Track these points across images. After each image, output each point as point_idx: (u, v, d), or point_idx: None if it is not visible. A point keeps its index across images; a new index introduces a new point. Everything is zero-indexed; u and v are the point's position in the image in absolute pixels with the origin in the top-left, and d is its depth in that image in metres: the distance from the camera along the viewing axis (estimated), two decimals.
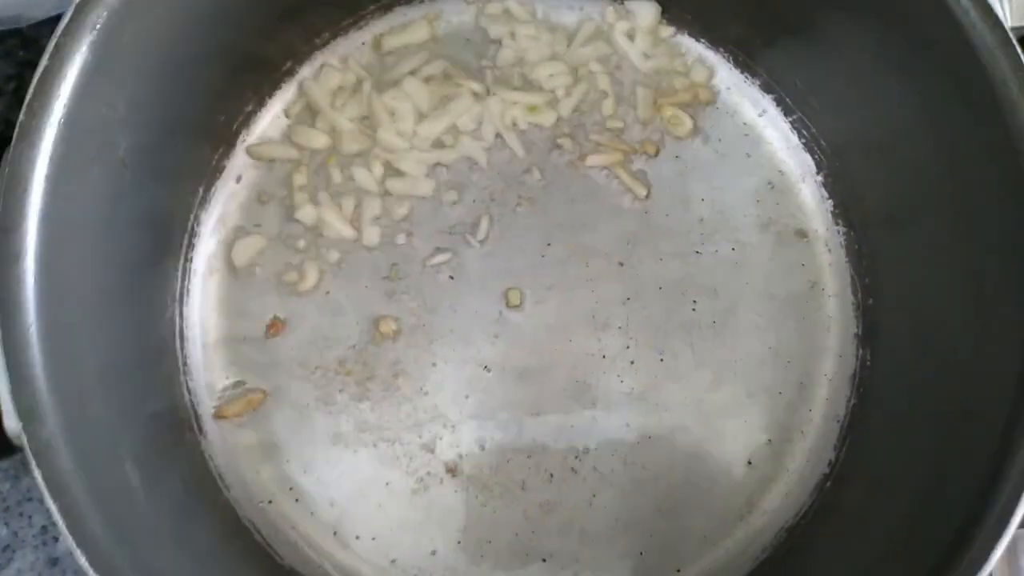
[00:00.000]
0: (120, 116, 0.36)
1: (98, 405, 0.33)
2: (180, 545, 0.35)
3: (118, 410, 0.34)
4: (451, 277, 0.48)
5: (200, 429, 0.44)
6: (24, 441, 0.30)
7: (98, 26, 0.33)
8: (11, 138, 0.32)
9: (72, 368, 0.32)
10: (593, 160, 0.48)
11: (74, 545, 0.29)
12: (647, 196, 0.47)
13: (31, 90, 0.32)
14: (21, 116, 0.32)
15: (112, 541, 0.30)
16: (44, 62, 0.32)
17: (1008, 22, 0.57)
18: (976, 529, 0.33)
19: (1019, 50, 0.35)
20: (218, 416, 0.45)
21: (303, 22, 0.47)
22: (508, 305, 0.47)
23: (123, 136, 0.37)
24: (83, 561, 0.29)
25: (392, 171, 0.48)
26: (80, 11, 0.33)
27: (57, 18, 0.66)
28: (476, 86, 0.48)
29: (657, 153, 0.48)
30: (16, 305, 0.31)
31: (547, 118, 0.48)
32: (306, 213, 0.47)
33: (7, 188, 0.31)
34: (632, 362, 0.47)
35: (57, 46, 0.32)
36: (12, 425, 0.31)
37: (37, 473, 0.30)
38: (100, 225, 0.37)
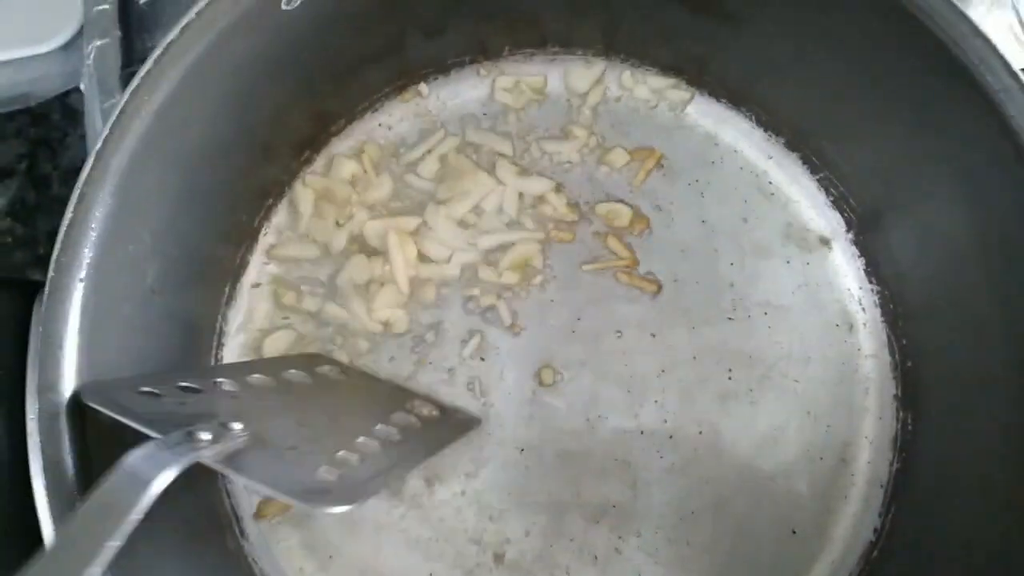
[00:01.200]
0: (146, 248, 0.36)
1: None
2: None
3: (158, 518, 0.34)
4: (482, 359, 0.47)
5: (242, 532, 0.44)
6: None
7: (120, 170, 0.33)
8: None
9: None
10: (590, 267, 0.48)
11: None
12: (658, 292, 0.47)
13: (58, 244, 0.32)
14: (51, 271, 0.32)
15: None
16: (68, 214, 0.32)
17: None
18: None
19: None
20: (258, 516, 0.45)
21: (318, 112, 0.46)
22: (541, 384, 0.47)
23: (150, 266, 0.37)
24: None
25: (418, 256, 0.48)
26: (100, 158, 0.33)
27: (65, 94, 0.66)
28: (501, 166, 0.47)
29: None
30: (59, 465, 0.31)
31: (559, 203, 0.48)
32: (331, 309, 0.47)
33: (44, 347, 0.31)
34: (671, 436, 0.46)
35: (81, 196, 0.32)
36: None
37: None
38: (133, 357, 0.36)
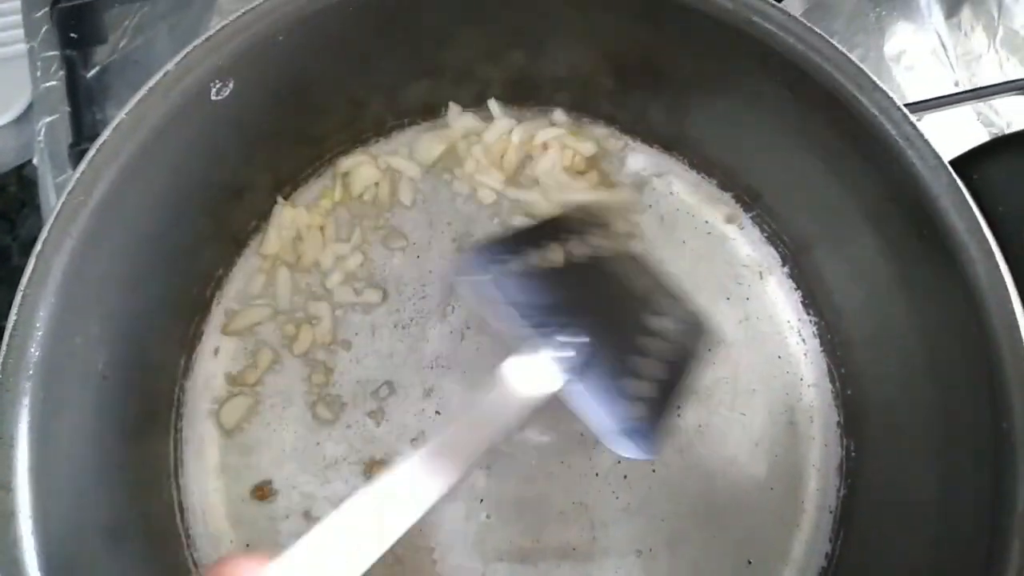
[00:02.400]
0: (95, 338, 0.37)
1: None
2: None
3: None
4: (437, 412, 0.48)
5: None
6: None
7: (63, 268, 0.34)
8: None
9: None
10: None
11: None
12: None
13: (4, 347, 0.33)
14: None
15: None
16: (13, 317, 0.33)
17: (956, 74, 0.59)
18: None
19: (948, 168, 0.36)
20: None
21: (266, 181, 0.47)
22: None
23: (100, 353, 0.38)
24: None
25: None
26: (41, 259, 0.34)
27: (21, 166, 0.67)
28: None
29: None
30: (16, 567, 0.32)
31: None
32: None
33: None
34: (625, 476, 0.48)
35: (24, 298, 0.33)
36: None
37: None
38: (88, 441, 0.37)
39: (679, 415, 0.48)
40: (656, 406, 0.37)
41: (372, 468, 0.47)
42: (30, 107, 0.63)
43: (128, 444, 0.40)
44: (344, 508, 0.28)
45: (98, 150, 0.34)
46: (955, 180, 0.35)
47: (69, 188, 0.34)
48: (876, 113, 0.36)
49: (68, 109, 0.58)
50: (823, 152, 0.41)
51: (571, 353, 0.34)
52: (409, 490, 0.29)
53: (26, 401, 0.33)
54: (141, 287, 0.40)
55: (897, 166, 0.36)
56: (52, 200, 0.56)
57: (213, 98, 0.37)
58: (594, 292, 0.41)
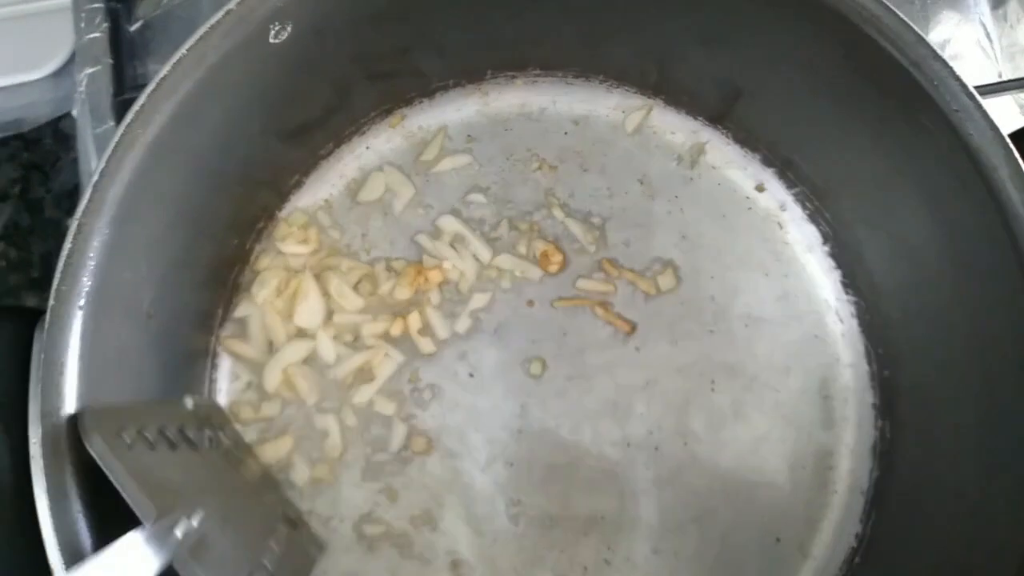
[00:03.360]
0: (142, 275, 0.37)
1: None
2: None
3: None
4: (471, 375, 0.48)
5: None
6: None
7: (117, 201, 0.34)
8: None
9: None
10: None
11: None
12: (631, 332, 0.48)
13: (58, 273, 0.33)
14: (51, 300, 0.33)
15: None
16: (68, 244, 0.33)
17: (999, 65, 0.58)
18: None
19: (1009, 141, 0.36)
20: None
21: (306, 139, 0.47)
22: (529, 396, 0.48)
23: (146, 292, 0.38)
24: None
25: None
26: (97, 190, 0.34)
27: (57, 119, 0.67)
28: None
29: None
30: (62, 490, 0.32)
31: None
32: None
33: (46, 374, 0.32)
34: (656, 448, 0.47)
35: (79, 227, 0.33)
36: None
37: None
38: (131, 380, 0.37)
39: (713, 389, 0.48)
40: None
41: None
42: (69, 61, 0.63)
43: (166, 384, 0.40)
44: None
45: (158, 84, 0.34)
46: (1014, 153, 0.35)
47: (128, 119, 0.34)
48: (935, 83, 0.36)
49: (111, 61, 0.58)
50: (875, 125, 0.41)
51: (180, 533, 0.33)
52: None
53: (77, 329, 0.33)
54: (187, 230, 0.40)
55: (954, 138, 0.36)
56: (91, 150, 0.56)
57: (272, 40, 0.37)
58: (224, 482, 0.41)
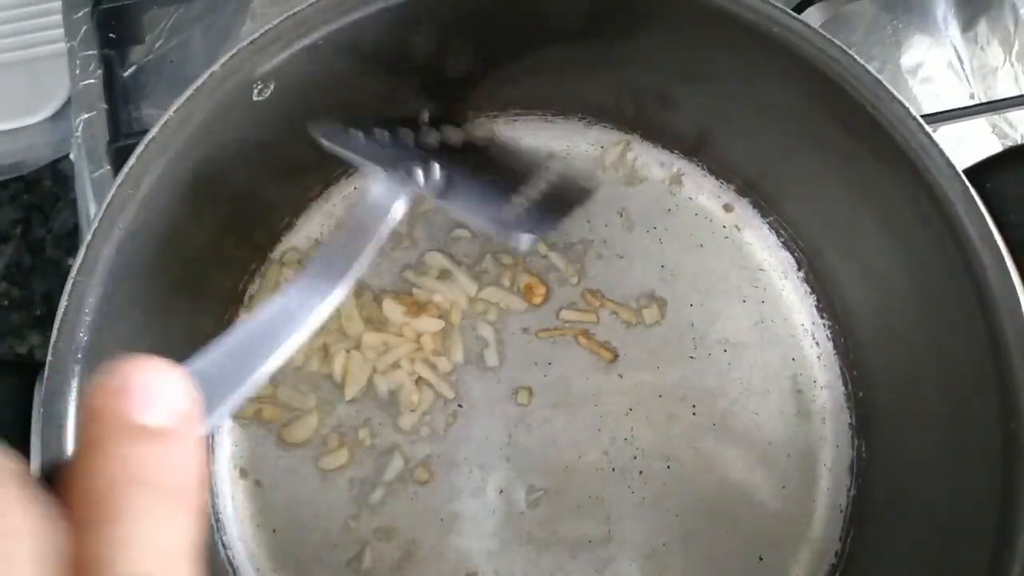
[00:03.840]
0: (138, 324, 0.39)
1: None
2: None
3: None
4: (460, 405, 0.50)
5: None
6: None
7: (110, 259, 0.36)
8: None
9: None
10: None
11: None
12: (613, 360, 0.50)
13: (55, 331, 0.35)
14: (49, 356, 0.35)
15: None
16: (64, 302, 0.35)
17: (971, 87, 0.60)
18: None
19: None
20: None
21: (297, 184, 0.49)
22: (516, 426, 0.50)
23: (143, 341, 0.39)
24: None
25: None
26: (91, 248, 0.36)
27: (56, 161, 0.69)
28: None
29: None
30: None
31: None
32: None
33: (45, 426, 0.34)
34: (640, 472, 0.49)
35: (74, 285, 0.35)
36: None
37: None
38: None
39: (694, 413, 0.50)
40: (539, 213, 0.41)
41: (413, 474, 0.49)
42: (66, 104, 0.65)
43: None
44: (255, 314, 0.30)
45: (146, 146, 0.36)
46: (968, 188, 0.36)
47: (119, 180, 0.36)
48: (893, 123, 0.37)
49: (105, 106, 0.59)
50: (839, 160, 0.42)
51: (421, 172, 0.38)
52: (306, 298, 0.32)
53: (75, 383, 0.35)
54: (180, 277, 0.42)
55: (912, 174, 0.37)
56: (88, 193, 0.58)
57: (255, 98, 0.38)
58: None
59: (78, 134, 0.61)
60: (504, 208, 0.40)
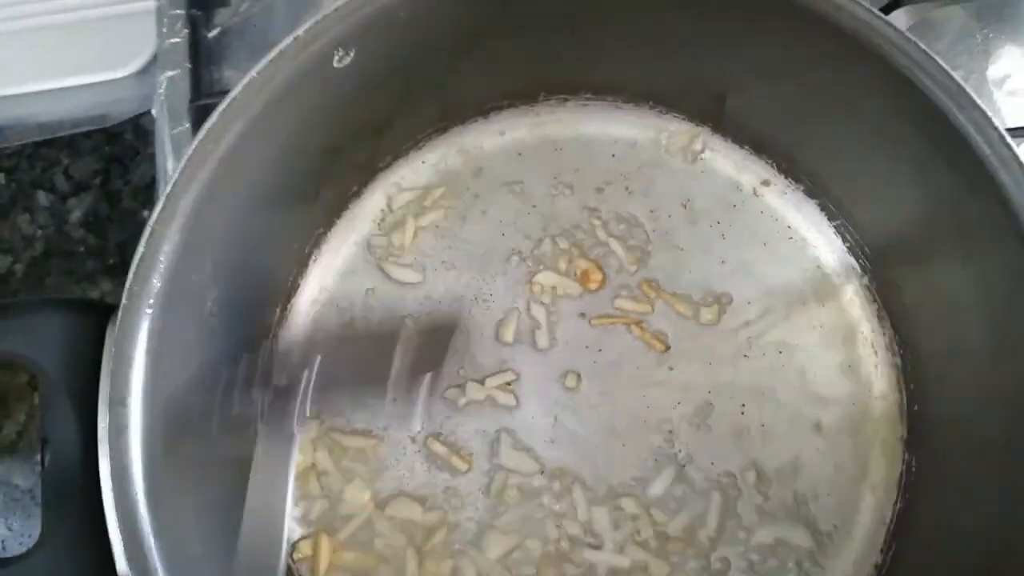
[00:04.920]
0: (207, 277, 0.40)
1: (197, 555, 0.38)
2: None
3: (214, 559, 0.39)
4: (507, 383, 0.51)
5: None
6: None
7: (187, 210, 0.37)
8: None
9: (177, 530, 0.36)
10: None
11: None
12: (665, 351, 0.50)
13: (130, 275, 0.36)
14: (123, 299, 0.36)
15: None
16: (140, 249, 0.36)
17: None
18: None
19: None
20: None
21: (366, 153, 0.50)
22: (563, 408, 0.50)
23: (210, 293, 0.41)
24: None
25: None
26: (170, 199, 0.37)
27: (138, 116, 0.71)
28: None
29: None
30: (124, 470, 0.35)
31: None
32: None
33: (115, 365, 0.36)
34: (684, 466, 0.49)
35: (151, 232, 0.37)
36: (123, 568, 0.35)
37: None
38: (191, 373, 0.41)
39: (742, 413, 0.49)
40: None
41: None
42: (151, 61, 0.67)
43: (224, 375, 0.43)
44: None
45: (229, 104, 0.37)
46: None
47: (200, 136, 0.37)
48: (972, 131, 0.36)
49: (189, 66, 0.61)
50: (913, 166, 0.41)
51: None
52: None
53: (145, 326, 0.37)
54: (251, 237, 0.43)
55: (990, 186, 0.37)
56: (167, 148, 0.60)
57: (335, 65, 0.39)
58: None
59: (161, 91, 0.63)
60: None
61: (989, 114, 0.36)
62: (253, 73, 0.37)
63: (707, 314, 0.50)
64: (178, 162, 0.37)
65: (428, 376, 0.43)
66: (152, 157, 0.73)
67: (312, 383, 0.40)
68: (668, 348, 0.50)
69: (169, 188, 0.37)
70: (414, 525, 0.48)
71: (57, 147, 0.81)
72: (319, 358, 0.41)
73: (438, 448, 0.49)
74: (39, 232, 0.77)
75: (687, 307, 0.51)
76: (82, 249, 0.76)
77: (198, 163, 0.37)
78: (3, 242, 0.77)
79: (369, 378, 0.43)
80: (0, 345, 0.37)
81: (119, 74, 0.69)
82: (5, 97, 0.71)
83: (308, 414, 0.41)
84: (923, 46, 0.37)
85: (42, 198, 0.78)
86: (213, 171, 0.38)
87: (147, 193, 0.77)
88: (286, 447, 0.40)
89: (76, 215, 0.77)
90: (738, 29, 0.43)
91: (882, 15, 0.38)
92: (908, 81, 0.38)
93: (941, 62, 0.37)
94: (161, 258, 0.37)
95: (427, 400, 0.44)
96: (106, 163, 0.78)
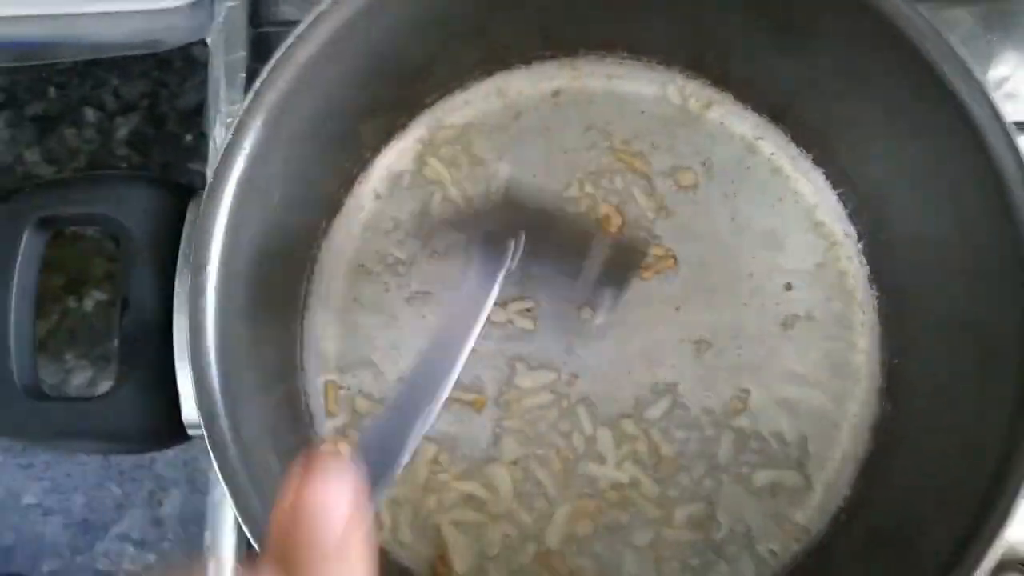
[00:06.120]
0: (278, 172, 0.45)
1: (252, 414, 0.42)
2: None
3: (265, 421, 0.43)
4: (527, 310, 0.56)
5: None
6: (204, 435, 0.39)
7: (269, 106, 0.42)
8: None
9: (236, 381, 0.41)
10: None
11: (240, 518, 0.38)
12: (674, 265, 0.56)
13: (219, 158, 0.41)
14: (210, 178, 0.41)
15: (264, 516, 0.39)
16: (228, 136, 0.41)
17: None
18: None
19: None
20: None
21: (418, 86, 0.55)
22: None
23: (277, 187, 0.45)
24: (247, 530, 0.38)
25: None
26: (258, 95, 0.41)
27: (188, 45, 0.75)
28: None
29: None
30: (201, 327, 0.40)
31: None
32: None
33: (198, 236, 0.40)
34: (681, 395, 0.54)
35: (240, 123, 0.41)
36: (191, 416, 0.40)
37: (214, 460, 0.39)
38: (253, 260, 0.45)
39: (739, 355, 0.54)
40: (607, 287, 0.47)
41: None
42: None
43: (281, 267, 0.48)
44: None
45: (316, 16, 0.42)
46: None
47: (288, 42, 0.42)
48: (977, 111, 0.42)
49: None
50: (921, 142, 0.46)
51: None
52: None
53: (224, 208, 0.41)
54: (314, 144, 0.48)
55: (981, 153, 0.42)
56: (222, 75, 0.64)
57: None
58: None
59: (219, 19, 0.67)
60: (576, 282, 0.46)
61: (991, 96, 0.41)
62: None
63: (714, 263, 0.55)
64: (269, 63, 0.41)
65: (609, 292, 0.47)
66: (199, 86, 0.77)
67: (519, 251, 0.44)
68: (676, 263, 0.56)
69: (258, 85, 0.41)
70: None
71: (107, 67, 0.84)
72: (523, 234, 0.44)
73: None
74: (84, 146, 0.81)
75: (697, 256, 0.55)
76: (125, 166, 0.79)
77: (283, 66, 0.42)
78: (49, 153, 0.80)
79: (564, 270, 0.47)
80: (94, 208, 0.42)
81: (176, 3, 0.72)
82: (61, 16, 0.74)
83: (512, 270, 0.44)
84: (932, 22, 0.42)
85: (89, 115, 0.81)
86: (296, 73, 0.42)
87: (192, 119, 0.81)
88: (483, 301, 0.42)
89: (122, 133, 0.81)
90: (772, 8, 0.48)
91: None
92: (918, 54, 0.42)
93: (944, 34, 0.42)
94: (245, 145, 0.41)
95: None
96: (154, 87, 0.82)
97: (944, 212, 0.48)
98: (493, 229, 0.46)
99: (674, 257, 0.56)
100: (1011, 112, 0.61)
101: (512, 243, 0.45)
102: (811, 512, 0.53)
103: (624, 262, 0.52)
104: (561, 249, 0.50)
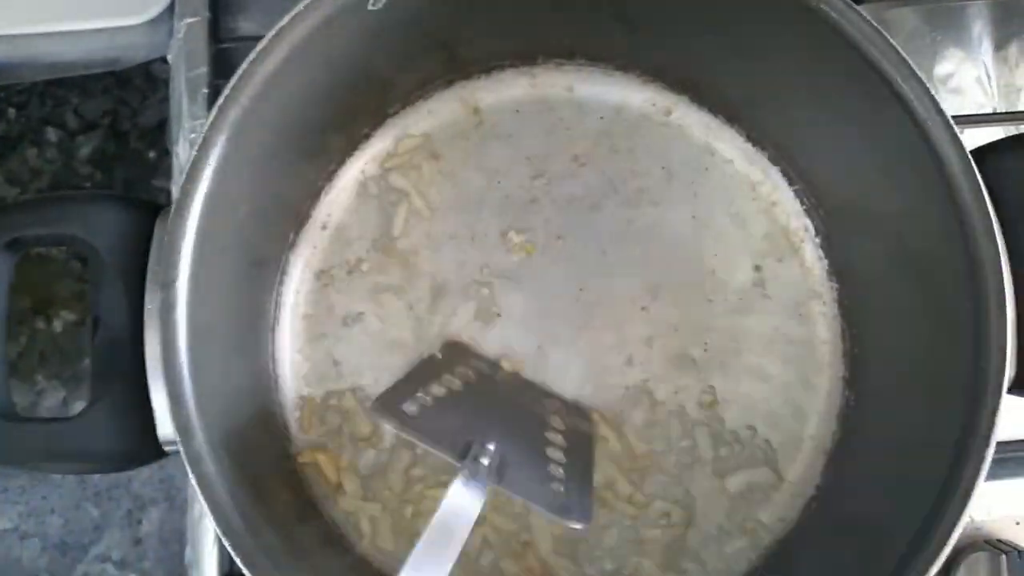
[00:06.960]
0: (243, 186, 0.45)
1: (228, 428, 0.42)
2: (292, 537, 0.44)
3: (241, 434, 0.44)
4: (498, 315, 0.56)
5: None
6: (181, 450, 0.39)
7: (234, 122, 0.42)
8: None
9: (210, 395, 0.41)
10: None
11: (220, 532, 0.38)
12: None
13: (184, 174, 0.41)
14: (176, 195, 0.41)
15: (246, 530, 0.40)
16: (193, 152, 0.41)
17: (995, 102, 0.66)
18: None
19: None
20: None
21: (380, 98, 0.55)
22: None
23: (243, 201, 0.46)
24: (228, 545, 0.38)
25: None
26: (222, 110, 0.42)
27: (148, 63, 0.75)
28: None
29: None
30: (172, 342, 0.40)
31: None
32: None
33: (167, 252, 0.40)
34: (651, 392, 0.55)
35: (205, 139, 0.41)
36: (166, 433, 0.40)
37: (191, 476, 0.39)
38: (222, 274, 0.46)
39: (705, 350, 0.56)
40: (578, 482, 0.46)
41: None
42: (166, 10, 0.71)
43: (249, 280, 0.48)
44: None
45: (278, 31, 0.42)
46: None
47: (251, 57, 0.42)
48: (912, 97, 0.43)
49: (208, 15, 0.66)
50: (863, 128, 0.48)
51: (487, 462, 0.42)
52: None
53: (192, 223, 0.42)
54: (278, 157, 0.48)
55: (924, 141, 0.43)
56: (183, 89, 0.64)
57: (369, 7, 0.45)
58: (494, 403, 0.51)
59: (180, 36, 0.67)
60: (555, 486, 0.44)
61: (922, 78, 0.43)
62: (301, 6, 0.42)
63: (678, 262, 0.57)
64: (232, 77, 0.42)
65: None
66: (161, 102, 0.77)
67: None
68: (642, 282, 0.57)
69: (221, 100, 0.42)
70: None
71: (67, 87, 0.84)
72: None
73: None
74: (47, 166, 0.80)
75: (661, 256, 0.57)
76: (88, 184, 0.79)
77: (246, 81, 0.42)
78: (11, 174, 0.80)
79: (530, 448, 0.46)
80: (62, 229, 0.42)
81: (134, 21, 0.72)
82: (19, 36, 0.73)
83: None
84: (877, 25, 0.43)
85: (51, 134, 0.81)
86: (257, 90, 0.43)
87: (155, 135, 0.81)
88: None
89: (84, 151, 0.80)
90: (724, 15, 0.49)
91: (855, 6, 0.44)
92: (865, 58, 0.44)
93: (892, 42, 0.43)
94: (210, 162, 0.42)
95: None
96: (115, 105, 0.82)
97: (894, 203, 0.50)
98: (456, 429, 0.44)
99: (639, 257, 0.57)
100: (956, 106, 0.65)
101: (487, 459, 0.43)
102: (783, 504, 0.55)
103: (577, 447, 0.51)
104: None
